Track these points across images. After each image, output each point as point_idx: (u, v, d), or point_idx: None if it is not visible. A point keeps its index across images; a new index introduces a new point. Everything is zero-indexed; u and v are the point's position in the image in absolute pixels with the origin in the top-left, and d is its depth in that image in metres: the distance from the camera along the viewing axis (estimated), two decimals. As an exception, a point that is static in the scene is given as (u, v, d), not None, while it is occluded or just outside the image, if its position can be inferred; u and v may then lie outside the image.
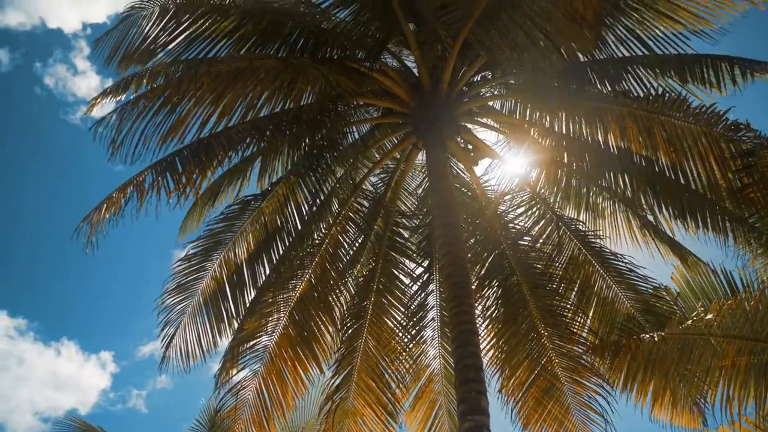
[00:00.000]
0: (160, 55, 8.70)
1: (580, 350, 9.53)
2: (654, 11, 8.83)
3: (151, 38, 8.59)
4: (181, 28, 8.56)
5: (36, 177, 25.27)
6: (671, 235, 9.34)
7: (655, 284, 9.58)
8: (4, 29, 24.44)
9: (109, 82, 8.69)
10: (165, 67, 8.22)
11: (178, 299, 9.38)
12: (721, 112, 8.12)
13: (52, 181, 25.26)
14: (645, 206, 9.25)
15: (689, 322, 7.23)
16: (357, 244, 10.22)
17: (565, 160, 9.50)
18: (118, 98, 8.00)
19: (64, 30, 25.92)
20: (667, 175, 8.70)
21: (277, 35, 8.97)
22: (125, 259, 27.35)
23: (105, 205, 7.84)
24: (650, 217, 9.32)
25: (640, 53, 9.13)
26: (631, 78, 9.09)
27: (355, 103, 9.55)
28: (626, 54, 9.18)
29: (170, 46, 8.65)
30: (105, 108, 8.16)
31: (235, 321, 9.71)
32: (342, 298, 10.13)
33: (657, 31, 8.97)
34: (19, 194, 25.23)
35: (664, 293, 9.25)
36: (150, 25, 8.58)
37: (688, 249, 9.40)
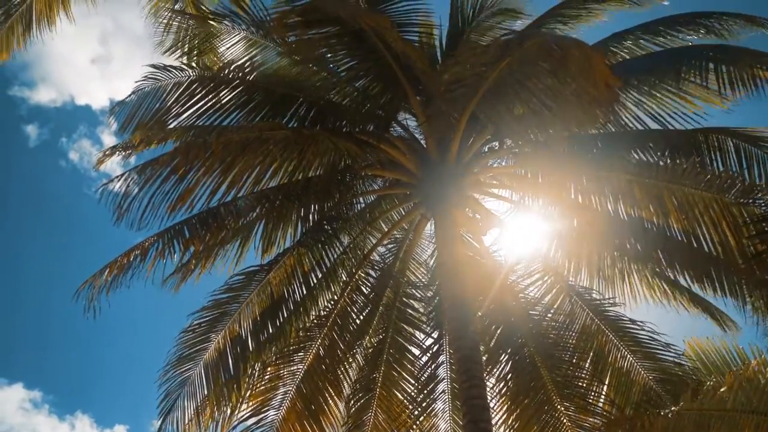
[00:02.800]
0: (173, 124, 8.91)
1: (597, 422, 9.18)
2: (664, 88, 8.93)
3: (164, 109, 8.84)
4: (194, 99, 8.84)
5: (57, 250, 25.73)
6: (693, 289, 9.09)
7: (678, 351, 9.30)
8: (35, 106, 25.54)
9: (133, 158, 8.92)
10: (175, 132, 8.40)
11: (180, 371, 9.24)
12: (734, 177, 8.06)
13: (75, 255, 25.67)
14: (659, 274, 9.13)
15: (702, 396, 6.99)
16: (366, 316, 10.07)
17: (575, 229, 9.41)
18: (128, 156, 8.19)
19: (92, 106, 27.00)
20: (680, 240, 8.58)
21: (287, 108, 9.20)
22: (142, 332, 27.35)
23: (108, 269, 7.88)
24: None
25: (651, 123, 9.17)
26: (639, 148, 9.07)
27: (363, 173, 9.64)
28: (637, 125, 9.21)
29: (183, 117, 8.87)
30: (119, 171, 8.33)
31: (241, 395, 9.51)
32: (350, 370, 9.95)
33: (669, 106, 9.04)
34: (40, 267, 25.65)
35: (685, 361, 8.96)
36: (164, 96, 8.86)
37: (712, 303, 9.13)
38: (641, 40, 9.52)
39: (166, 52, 9.83)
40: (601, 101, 7.56)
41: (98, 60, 25.95)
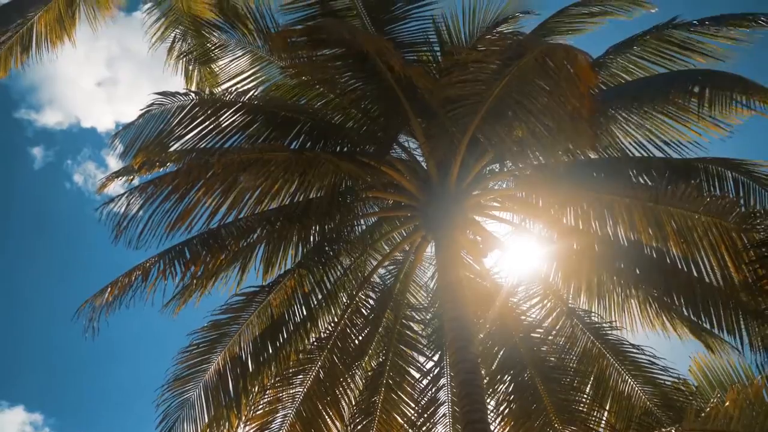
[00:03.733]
0: (176, 146, 8.93)
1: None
2: (659, 112, 9.03)
3: (166, 132, 8.86)
4: (196, 122, 8.83)
5: (60, 272, 25.66)
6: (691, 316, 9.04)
7: (676, 375, 9.26)
8: (42, 128, 25.71)
9: (135, 181, 8.95)
10: (177, 154, 8.42)
11: (179, 393, 9.16)
12: (733, 202, 8.10)
13: (78, 277, 25.62)
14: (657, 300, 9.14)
15: (706, 411, 6.94)
16: (366, 338, 10.00)
17: (575, 252, 9.43)
18: (130, 181, 8.22)
19: (98, 129, 27.20)
20: (680, 267, 8.60)
21: (289, 129, 9.22)
22: (145, 354, 27.15)
23: (109, 289, 7.84)
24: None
25: (648, 146, 9.27)
26: (638, 172, 9.14)
27: (364, 195, 9.67)
28: (635, 149, 9.31)
29: (185, 139, 8.89)
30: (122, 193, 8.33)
31: (241, 417, 9.42)
32: (350, 393, 9.87)
33: (663, 131, 9.14)
34: (42, 289, 25.57)
35: (683, 387, 8.92)
36: (167, 119, 8.88)
37: (710, 330, 9.02)
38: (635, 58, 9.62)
39: (170, 61, 9.93)
40: (585, 116, 7.60)
41: (104, 83, 26.29)
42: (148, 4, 12.39)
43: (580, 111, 7.48)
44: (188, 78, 11.26)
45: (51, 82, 25.30)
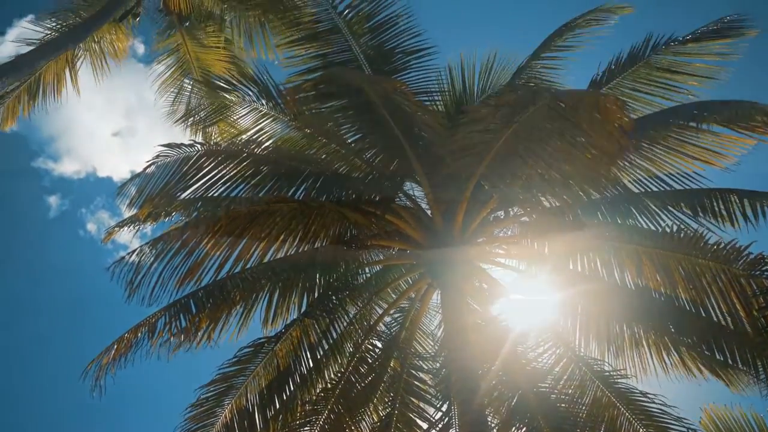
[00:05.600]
0: (182, 196, 8.96)
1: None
2: (664, 147, 9.05)
3: (173, 183, 8.91)
4: (201, 173, 8.88)
5: (72, 320, 25.62)
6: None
7: (690, 425, 9.09)
8: (59, 177, 26.04)
9: (148, 231, 9.00)
10: (183, 204, 8.47)
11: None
12: (741, 248, 8.05)
13: (90, 325, 25.57)
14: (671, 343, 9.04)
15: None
16: (373, 388, 9.87)
17: (583, 299, 9.37)
18: (138, 230, 8.28)
19: (113, 178, 27.57)
20: (689, 310, 8.53)
21: (294, 179, 9.24)
22: (156, 400, 26.91)
23: (116, 347, 7.82)
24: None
25: (653, 188, 9.24)
26: (644, 216, 9.12)
27: (369, 243, 9.65)
28: (639, 189, 9.30)
29: (191, 189, 8.93)
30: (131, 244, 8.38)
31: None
32: (357, 446, 9.73)
33: (669, 167, 9.15)
34: (55, 336, 25.53)
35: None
36: (173, 170, 8.94)
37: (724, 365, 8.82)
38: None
39: (177, 122, 10.06)
40: (612, 155, 7.51)
41: (121, 133, 26.76)
42: (163, 55, 12.71)
43: (609, 151, 7.34)
44: (199, 132, 11.42)
45: (70, 132, 25.80)
